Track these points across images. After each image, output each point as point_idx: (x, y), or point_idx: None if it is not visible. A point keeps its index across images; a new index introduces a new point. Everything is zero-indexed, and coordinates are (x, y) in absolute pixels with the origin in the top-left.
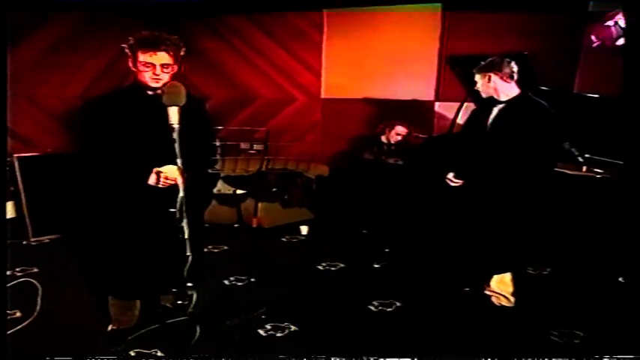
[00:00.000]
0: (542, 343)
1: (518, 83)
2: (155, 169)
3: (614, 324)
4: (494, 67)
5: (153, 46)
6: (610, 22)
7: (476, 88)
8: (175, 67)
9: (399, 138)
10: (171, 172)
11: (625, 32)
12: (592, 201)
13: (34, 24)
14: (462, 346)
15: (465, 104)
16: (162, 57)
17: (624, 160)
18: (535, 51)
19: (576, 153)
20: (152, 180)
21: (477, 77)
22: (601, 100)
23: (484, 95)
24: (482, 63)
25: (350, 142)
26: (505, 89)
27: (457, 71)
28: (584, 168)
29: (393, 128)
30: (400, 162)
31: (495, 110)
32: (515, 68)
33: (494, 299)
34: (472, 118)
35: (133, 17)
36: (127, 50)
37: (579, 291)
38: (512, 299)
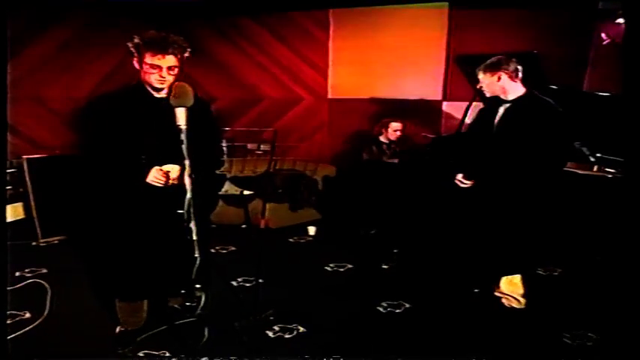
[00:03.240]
0: (553, 345)
1: (524, 82)
2: (157, 168)
3: (628, 326)
4: (503, 65)
5: (161, 49)
6: (621, 20)
7: (479, 86)
8: (179, 69)
9: (398, 134)
10: (174, 171)
11: (625, 29)
12: (603, 201)
13: (43, 25)
14: (472, 349)
15: (474, 103)
16: (170, 60)
17: (625, 159)
18: (544, 49)
19: (587, 152)
20: (153, 178)
21: (483, 76)
22: (611, 98)
23: (488, 94)
24: (489, 61)
25: (357, 143)
26: (512, 88)
27: (466, 70)
28: (595, 167)
29: (388, 126)
30: (402, 162)
31: (502, 109)
32: (520, 67)
33: (504, 301)
34: (478, 117)
35: (140, 18)
36: (132, 49)
37: (591, 292)
38: (522, 301)
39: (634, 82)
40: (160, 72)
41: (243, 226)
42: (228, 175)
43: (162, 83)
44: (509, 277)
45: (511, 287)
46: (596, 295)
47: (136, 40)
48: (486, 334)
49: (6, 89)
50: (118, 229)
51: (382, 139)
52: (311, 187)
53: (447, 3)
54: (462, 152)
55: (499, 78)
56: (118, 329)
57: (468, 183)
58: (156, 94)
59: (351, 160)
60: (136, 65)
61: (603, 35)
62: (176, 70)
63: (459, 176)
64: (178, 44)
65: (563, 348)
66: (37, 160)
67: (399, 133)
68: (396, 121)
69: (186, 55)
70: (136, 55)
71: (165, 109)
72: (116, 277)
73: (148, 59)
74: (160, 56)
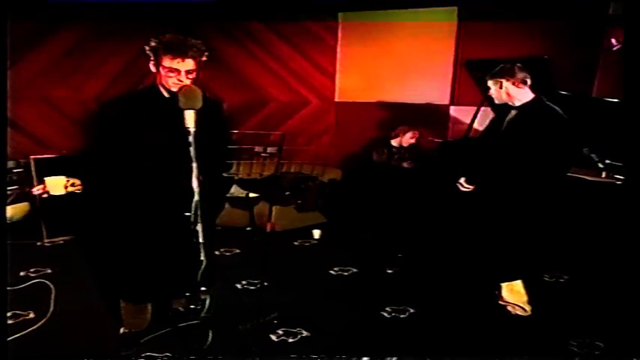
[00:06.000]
0: (560, 353)
1: (533, 88)
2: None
3: (635, 334)
4: (506, 73)
5: (181, 53)
6: None
7: (489, 93)
8: (196, 73)
9: (413, 141)
10: (51, 185)
11: (625, 32)
12: (612, 207)
13: (52, 28)
14: (477, 355)
15: (482, 108)
16: (189, 64)
17: (627, 165)
18: (553, 55)
19: (596, 159)
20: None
21: (490, 83)
22: (620, 104)
23: (497, 101)
24: (494, 69)
25: (363, 146)
26: (518, 95)
27: (475, 75)
28: (604, 174)
29: (405, 134)
30: (412, 166)
31: (509, 116)
32: (527, 73)
33: (509, 309)
34: (490, 124)
35: (148, 22)
36: (148, 52)
37: (599, 299)
38: (527, 308)
39: (634, 87)
40: (178, 75)
41: (248, 228)
42: (236, 178)
43: (179, 87)
44: (510, 285)
45: (513, 295)
46: (604, 303)
47: (154, 43)
48: (492, 340)
49: (6, 90)
50: (123, 230)
51: (393, 142)
52: (318, 190)
53: (455, 8)
54: (468, 157)
55: (500, 85)
56: (121, 330)
57: (468, 187)
58: (168, 97)
59: (358, 163)
60: (153, 68)
61: (613, 41)
62: (194, 74)
63: (461, 180)
64: (198, 48)
65: (570, 356)
66: (44, 161)
67: (413, 141)
68: (413, 130)
69: (204, 59)
70: (152, 58)
71: (176, 111)
72: (121, 278)
73: (167, 62)
74: (179, 60)
